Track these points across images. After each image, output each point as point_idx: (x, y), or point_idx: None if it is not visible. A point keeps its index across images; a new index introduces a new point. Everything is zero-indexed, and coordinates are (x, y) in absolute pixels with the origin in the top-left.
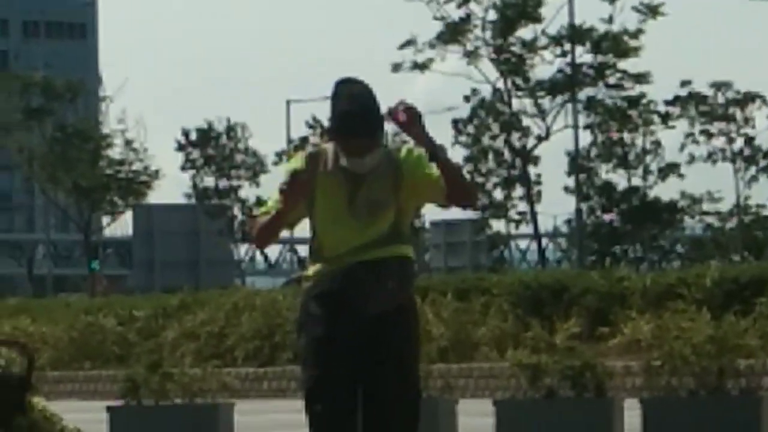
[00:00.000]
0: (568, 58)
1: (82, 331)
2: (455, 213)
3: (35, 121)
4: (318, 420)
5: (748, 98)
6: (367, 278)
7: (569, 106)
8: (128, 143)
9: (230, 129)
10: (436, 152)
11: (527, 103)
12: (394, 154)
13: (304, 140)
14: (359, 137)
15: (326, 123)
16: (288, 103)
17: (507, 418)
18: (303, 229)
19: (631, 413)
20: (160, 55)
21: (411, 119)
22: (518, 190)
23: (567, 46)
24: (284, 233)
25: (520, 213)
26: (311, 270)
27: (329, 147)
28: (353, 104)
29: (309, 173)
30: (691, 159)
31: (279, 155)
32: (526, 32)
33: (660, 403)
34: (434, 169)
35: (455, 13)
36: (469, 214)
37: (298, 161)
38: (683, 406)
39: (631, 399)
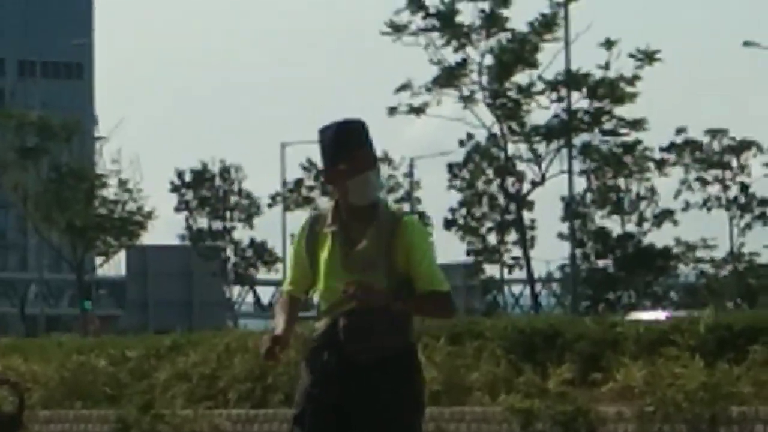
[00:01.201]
0: (564, 104)
1: (74, 371)
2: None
3: (30, 161)
4: None
5: (744, 146)
6: (357, 329)
7: (564, 151)
8: (123, 183)
9: (225, 170)
10: (395, 305)
11: (522, 148)
12: (396, 218)
13: (299, 183)
14: (360, 148)
15: (320, 166)
16: (283, 145)
17: None
18: None
19: None
20: (156, 96)
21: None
22: (512, 235)
23: (563, 92)
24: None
25: (513, 258)
26: (316, 325)
27: (328, 207)
28: (343, 125)
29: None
30: (686, 206)
31: (273, 198)
32: (522, 77)
33: None
34: (424, 263)
35: (452, 58)
36: (462, 257)
37: (302, 229)
38: None
39: None
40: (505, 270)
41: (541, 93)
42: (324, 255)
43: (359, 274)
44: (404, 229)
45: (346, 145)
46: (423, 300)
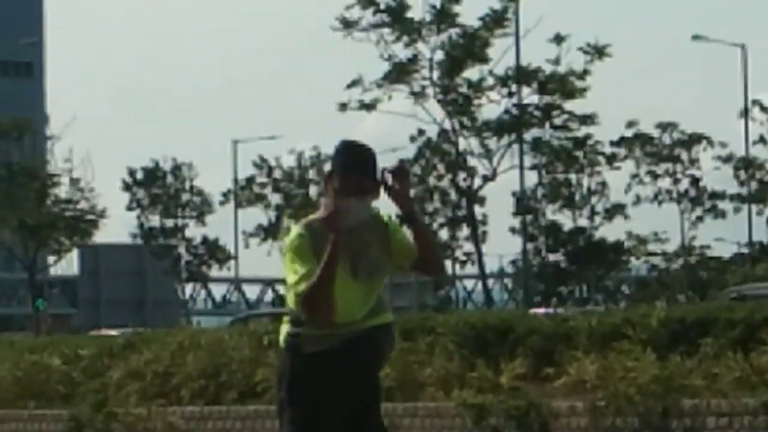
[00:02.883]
0: (515, 99)
1: (27, 370)
2: None
3: None
4: None
5: (694, 139)
6: (380, 342)
7: (515, 146)
8: (74, 182)
9: (176, 168)
10: (416, 216)
11: (473, 143)
12: (378, 218)
13: (251, 180)
14: (365, 176)
15: (328, 169)
16: (234, 142)
17: None
18: (249, 268)
19: None
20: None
21: (402, 176)
22: (464, 231)
23: (513, 87)
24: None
25: (466, 253)
26: (303, 330)
27: (317, 216)
28: (359, 149)
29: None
30: (637, 200)
31: (225, 195)
32: (472, 73)
33: None
34: (408, 236)
35: (402, 53)
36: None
37: (301, 236)
38: None
39: None
40: (458, 265)
41: (492, 88)
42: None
43: (368, 279)
44: (389, 219)
45: (370, 168)
46: (434, 236)
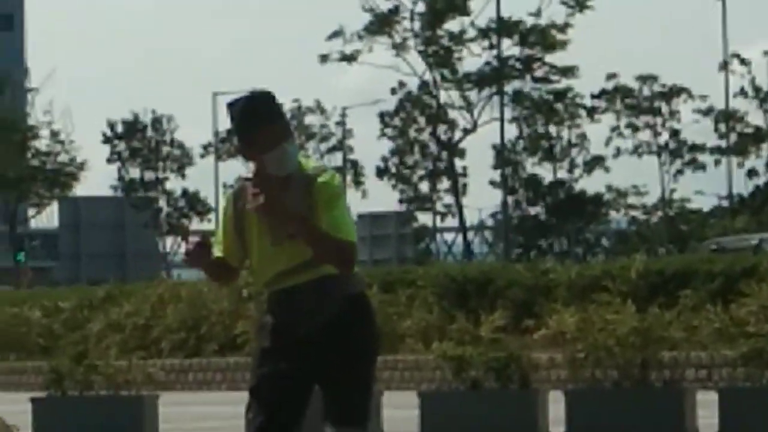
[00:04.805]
0: (496, 51)
1: (7, 323)
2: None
3: None
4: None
5: (674, 91)
6: (289, 305)
7: (496, 99)
8: (54, 135)
9: (156, 121)
10: (302, 230)
11: (454, 95)
12: (311, 179)
13: (231, 133)
14: (271, 121)
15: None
16: (215, 95)
17: (432, 409)
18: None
19: (556, 405)
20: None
21: (264, 188)
22: (444, 183)
23: (494, 39)
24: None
25: (446, 206)
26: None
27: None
28: (252, 100)
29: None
30: (617, 152)
31: (205, 147)
32: (454, 25)
33: (584, 395)
34: (332, 213)
35: (384, 5)
36: (395, 206)
37: (226, 205)
38: (607, 397)
39: (555, 391)
40: (438, 218)
41: (473, 40)
42: (253, 233)
43: (287, 244)
44: (317, 189)
45: (258, 120)
46: (328, 237)
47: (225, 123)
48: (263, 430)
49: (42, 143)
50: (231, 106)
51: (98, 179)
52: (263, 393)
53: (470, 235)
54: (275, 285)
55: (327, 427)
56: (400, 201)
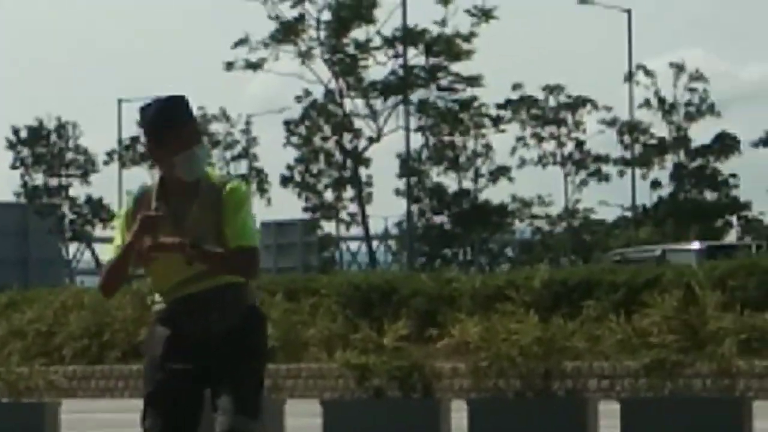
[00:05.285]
0: (401, 60)
1: None
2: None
3: None
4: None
5: (579, 102)
6: (189, 312)
7: (401, 107)
8: None
9: (61, 127)
10: (196, 256)
11: (359, 104)
12: (219, 188)
13: (135, 140)
14: (183, 124)
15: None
16: (119, 101)
17: (335, 418)
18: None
19: (458, 414)
20: None
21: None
22: (349, 192)
23: (400, 48)
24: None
25: (350, 214)
26: (155, 307)
27: (154, 184)
28: (165, 102)
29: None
30: (522, 162)
31: (110, 154)
32: (359, 33)
33: (487, 404)
34: (235, 218)
35: (289, 13)
36: (300, 214)
37: (127, 208)
38: (510, 407)
39: (458, 400)
40: (342, 226)
41: (379, 49)
42: (152, 237)
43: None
44: (226, 195)
45: (171, 123)
46: (225, 255)
47: (130, 130)
48: None
49: None
50: (144, 109)
51: (1, 185)
52: (159, 399)
53: (375, 244)
54: (176, 292)
55: (219, 416)
56: (305, 209)
